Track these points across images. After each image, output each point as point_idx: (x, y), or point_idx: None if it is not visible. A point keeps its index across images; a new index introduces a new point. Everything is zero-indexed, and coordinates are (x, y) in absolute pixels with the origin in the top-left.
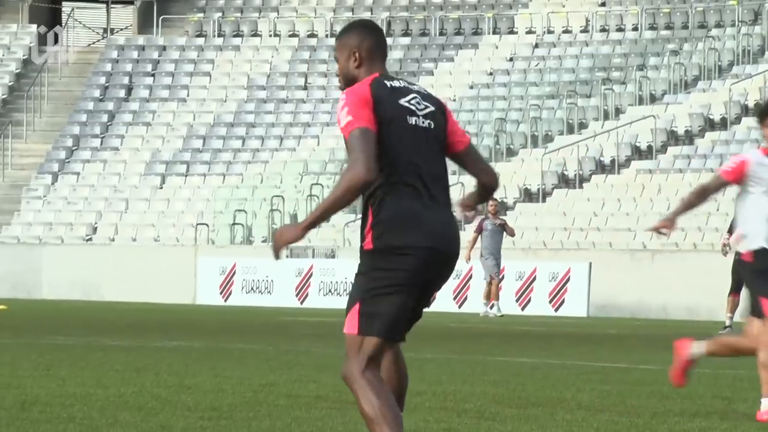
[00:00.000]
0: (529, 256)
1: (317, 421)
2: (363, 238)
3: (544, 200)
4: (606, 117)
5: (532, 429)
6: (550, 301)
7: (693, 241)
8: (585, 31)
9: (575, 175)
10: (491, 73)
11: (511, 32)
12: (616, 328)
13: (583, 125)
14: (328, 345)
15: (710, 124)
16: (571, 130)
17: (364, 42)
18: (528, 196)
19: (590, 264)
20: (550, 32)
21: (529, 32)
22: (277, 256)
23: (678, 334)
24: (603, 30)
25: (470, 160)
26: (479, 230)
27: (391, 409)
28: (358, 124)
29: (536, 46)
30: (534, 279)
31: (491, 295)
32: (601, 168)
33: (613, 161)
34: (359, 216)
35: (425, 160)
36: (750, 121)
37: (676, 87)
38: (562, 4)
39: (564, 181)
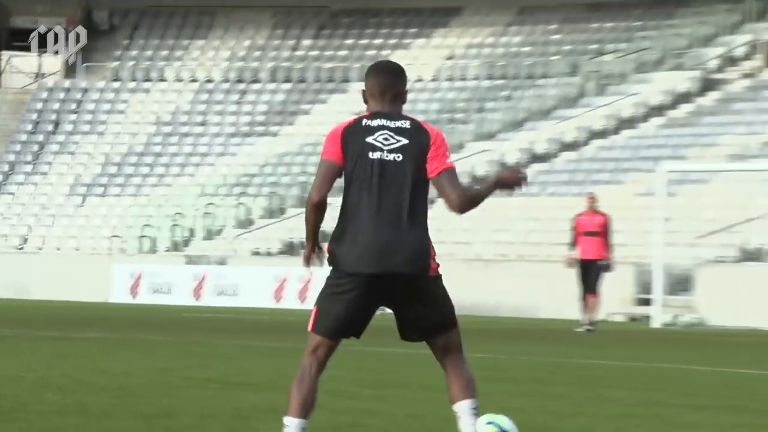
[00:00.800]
0: None
1: (207, 399)
2: None
3: None
4: (452, 150)
5: (385, 407)
6: None
7: (518, 252)
8: (434, 80)
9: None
10: (358, 114)
11: None
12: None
13: None
14: (218, 337)
15: (535, 157)
16: None
17: (371, 83)
18: None
19: None
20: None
21: None
22: (307, 265)
23: (507, 329)
24: (449, 79)
25: (439, 186)
26: None
27: (299, 394)
28: (324, 157)
29: None
30: None
31: None
32: None
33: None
34: (247, 229)
35: (385, 188)
36: (568, 155)
37: (509, 126)
38: (415, 57)
39: None
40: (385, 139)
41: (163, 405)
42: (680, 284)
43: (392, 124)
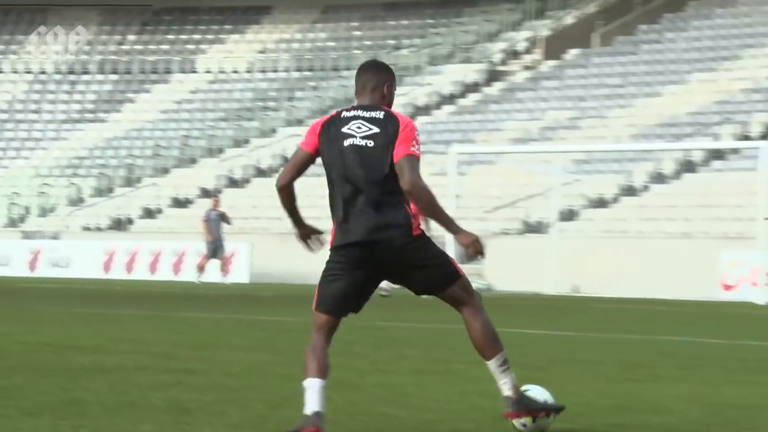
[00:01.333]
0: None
1: (40, 361)
2: None
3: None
4: (264, 135)
5: (203, 366)
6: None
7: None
8: (249, 71)
9: (240, 178)
10: (179, 102)
11: (194, 72)
12: (271, 291)
13: (246, 141)
14: (52, 305)
15: None
16: (238, 145)
17: (356, 80)
18: (206, 194)
19: (252, 244)
20: (222, 72)
21: (208, 72)
22: (306, 248)
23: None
24: (262, 71)
25: (398, 169)
26: (207, 219)
27: (314, 359)
28: (299, 145)
29: (213, 82)
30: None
31: (221, 267)
32: (261, 173)
33: (269, 168)
34: (78, 207)
35: (360, 171)
36: None
37: (316, 113)
38: (231, 51)
39: (232, 183)
40: (358, 127)
41: (0, 366)
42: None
43: (366, 114)
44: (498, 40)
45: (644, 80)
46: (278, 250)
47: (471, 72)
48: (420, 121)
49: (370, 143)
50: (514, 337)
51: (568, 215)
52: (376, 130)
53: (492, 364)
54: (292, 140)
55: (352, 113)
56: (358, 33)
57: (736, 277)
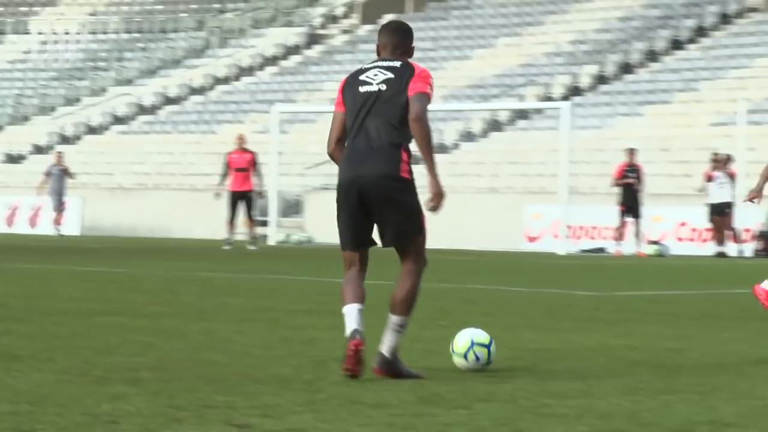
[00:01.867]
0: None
1: None
2: None
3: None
4: (94, 94)
5: (34, 316)
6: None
7: (154, 182)
8: (80, 33)
9: (72, 135)
10: (12, 62)
11: (26, 33)
12: (101, 243)
13: (77, 100)
14: None
15: (168, 100)
16: (69, 103)
17: (379, 39)
18: (38, 150)
19: (84, 198)
20: (54, 33)
21: (40, 33)
22: None
23: (145, 248)
24: (93, 32)
25: (410, 104)
26: (48, 173)
27: (350, 289)
28: (335, 109)
29: (45, 42)
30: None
31: (55, 220)
32: (91, 130)
33: (99, 125)
34: None
35: (372, 114)
36: (196, 98)
37: (145, 74)
38: (62, 13)
39: (64, 140)
40: (375, 75)
41: None
42: (292, 208)
43: (384, 63)
44: (318, 5)
45: (454, 44)
46: (108, 204)
47: (292, 35)
48: (244, 82)
49: (383, 87)
50: (329, 286)
51: None
52: (390, 76)
53: (392, 319)
54: (121, 99)
55: (372, 65)
56: None
57: (539, 229)
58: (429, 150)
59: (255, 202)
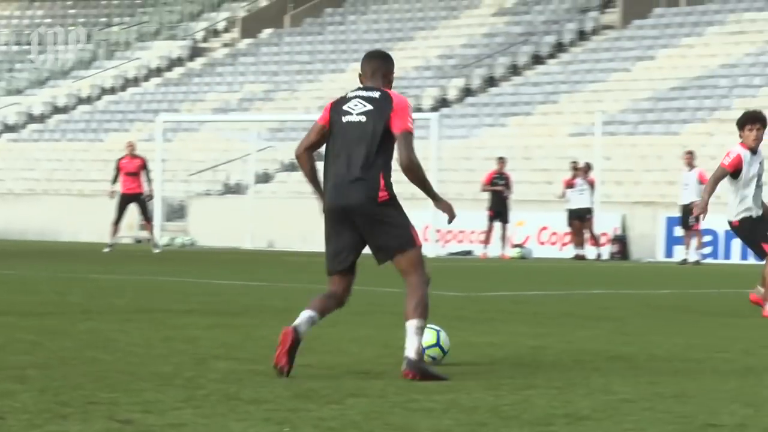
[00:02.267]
0: None
1: None
2: None
3: None
4: None
5: None
6: None
7: (43, 187)
8: None
9: None
10: None
11: None
12: None
13: None
14: None
15: (56, 109)
16: None
17: (361, 66)
18: None
19: None
20: None
21: None
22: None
23: (34, 251)
24: None
25: (398, 145)
26: None
27: (318, 302)
28: (318, 120)
29: None
30: None
31: None
32: None
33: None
34: None
35: (352, 144)
36: (84, 108)
37: (34, 84)
38: None
39: None
40: (356, 105)
41: None
42: (176, 212)
43: (365, 94)
44: (200, 19)
45: (330, 57)
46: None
47: (176, 48)
48: (130, 92)
49: (363, 119)
50: (213, 287)
51: (264, 178)
52: (369, 108)
53: (411, 323)
54: (11, 108)
55: (354, 93)
56: (73, 11)
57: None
58: (424, 183)
59: (148, 205)
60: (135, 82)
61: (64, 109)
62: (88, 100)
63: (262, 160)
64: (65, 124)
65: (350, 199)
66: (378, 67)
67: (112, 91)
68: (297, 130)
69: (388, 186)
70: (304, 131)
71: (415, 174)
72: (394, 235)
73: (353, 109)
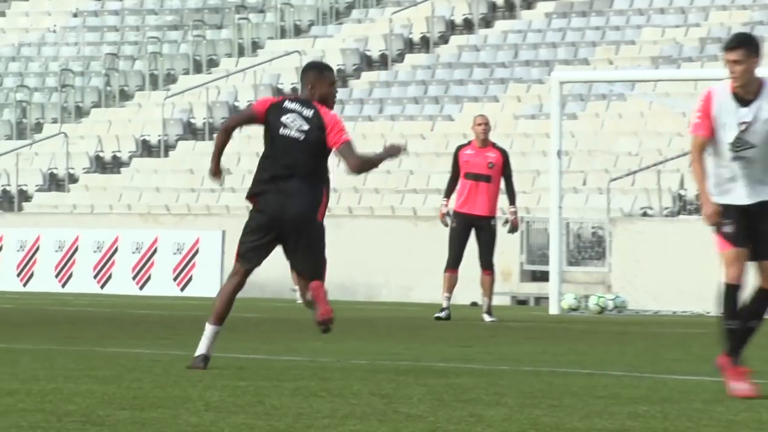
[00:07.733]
0: (149, 223)
1: None
2: None
3: (166, 154)
4: (241, 53)
5: None
6: (175, 279)
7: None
8: None
9: (204, 123)
10: None
11: None
12: (254, 311)
13: (213, 62)
14: None
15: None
16: (198, 69)
17: (301, 77)
18: (147, 149)
19: (223, 232)
20: None
21: None
22: (213, 178)
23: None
24: None
25: (341, 155)
26: None
27: (219, 302)
28: (252, 106)
29: None
30: (155, 251)
31: None
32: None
33: (249, 106)
34: None
35: (287, 157)
36: (414, 58)
37: (326, 17)
38: None
39: (191, 132)
40: (293, 121)
41: None
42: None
43: (301, 109)
44: None
45: None
46: None
47: None
48: None
49: (301, 137)
50: None
51: None
52: (306, 127)
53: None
54: (287, 60)
55: (292, 105)
56: None
57: None
58: (374, 162)
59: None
60: None
61: None
62: None
63: None
64: None
65: (292, 210)
66: (307, 79)
67: None
68: None
69: (321, 204)
70: None
71: (365, 168)
72: (312, 261)
73: (291, 125)
